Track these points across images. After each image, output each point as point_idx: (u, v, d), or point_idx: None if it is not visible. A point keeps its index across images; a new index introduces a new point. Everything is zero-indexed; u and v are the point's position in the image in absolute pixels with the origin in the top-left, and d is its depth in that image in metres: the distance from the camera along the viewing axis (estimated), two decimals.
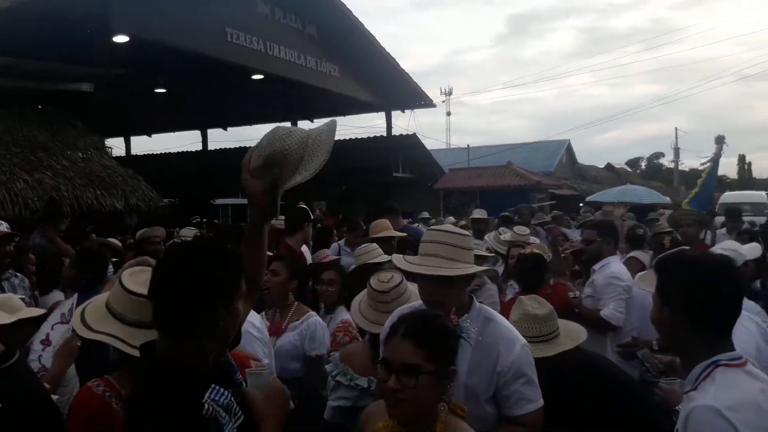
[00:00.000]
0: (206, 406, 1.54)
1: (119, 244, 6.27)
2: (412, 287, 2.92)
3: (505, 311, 3.88)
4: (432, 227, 2.57)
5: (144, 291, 1.94)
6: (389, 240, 5.62)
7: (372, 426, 1.90)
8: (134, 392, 1.68)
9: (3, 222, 4.11)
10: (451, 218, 11.71)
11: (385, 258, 4.47)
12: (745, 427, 1.64)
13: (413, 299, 2.91)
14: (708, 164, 8.35)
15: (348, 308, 3.95)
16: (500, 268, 6.03)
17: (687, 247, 4.62)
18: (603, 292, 4.43)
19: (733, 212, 8.66)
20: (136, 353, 1.87)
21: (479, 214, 8.42)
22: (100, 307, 2.06)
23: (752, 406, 1.69)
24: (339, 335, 3.73)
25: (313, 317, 3.67)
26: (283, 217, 5.39)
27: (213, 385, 1.59)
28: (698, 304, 1.80)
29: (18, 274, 4.17)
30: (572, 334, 3.05)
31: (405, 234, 6.08)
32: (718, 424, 1.64)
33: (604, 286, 4.44)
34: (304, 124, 20.81)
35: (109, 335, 1.96)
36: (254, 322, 3.11)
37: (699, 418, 1.69)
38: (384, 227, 5.89)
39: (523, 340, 2.43)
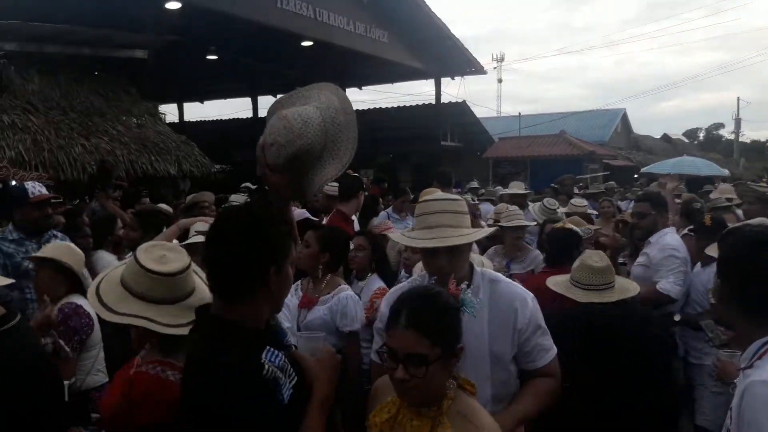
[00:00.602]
0: (266, 367, 1.57)
1: (170, 209, 6.40)
2: (474, 255, 2.88)
3: (531, 284, 3.84)
4: (424, 198, 2.45)
5: (162, 268, 1.96)
6: None
7: (380, 400, 1.88)
8: (193, 354, 1.71)
9: (41, 184, 4.28)
10: (500, 188, 11.51)
11: None
12: None
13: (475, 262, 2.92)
14: None
15: (380, 275, 3.96)
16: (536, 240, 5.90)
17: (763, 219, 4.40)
18: (660, 264, 4.28)
19: None
20: (169, 330, 1.89)
21: (517, 188, 8.11)
22: (116, 286, 2.00)
23: None
24: (377, 301, 3.68)
25: (344, 291, 3.54)
26: (336, 184, 5.37)
27: (267, 347, 1.61)
28: (755, 281, 1.73)
29: (58, 233, 4.29)
30: (624, 291, 3.24)
31: None
32: None
33: (661, 258, 4.28)
34: (352, 92, 20.79)
35: (135, 316, 1.91)
36: None
37: (756, 393, 1.62)
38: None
39: (530, 293, 2.42)
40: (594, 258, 3.27)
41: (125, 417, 1.89)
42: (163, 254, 2.03)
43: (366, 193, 6.66)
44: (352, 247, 3.98)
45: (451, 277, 1.90)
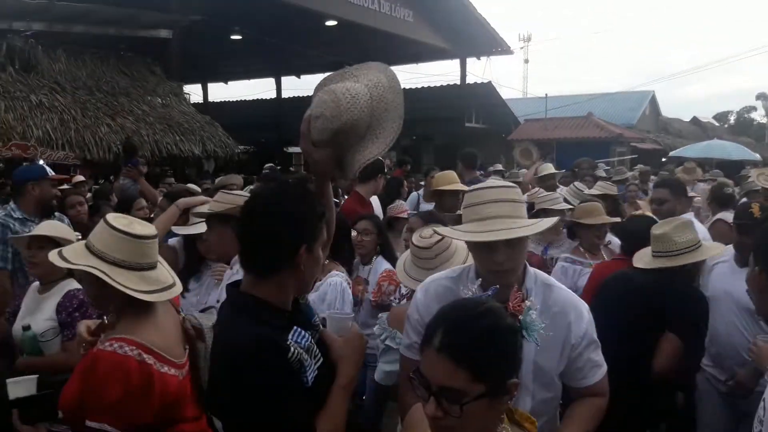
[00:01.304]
0: (292, 349, 1.58)
1: (198, 188, 6.40)
2: (458, 242, 2.72)
3: (604, 271, 3.73)
4: (476, 186, 2.16)
5: (126, 229, 1.96)
6: (456, 194, 5.04)
7: None
8: (219, 328, 1.73)
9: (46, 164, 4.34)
10: (525, 171, 11.34)
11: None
12: None
13: (459, 254, 2.75)
14: None
15: (386, 258, 3.89)
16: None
17: None
18: None
19: None
20: (121, 288, 1.87)
21: (548, 169, 7.71)
22: (79, 247, 2.00)
23: None
24: (384, 284, 3.67)
25: (332, 278, 3.40)
26: None
27: (295, 328, 1.63)
28: None
29: (57, 214, 4.33)
30: (707, 252, 3.26)
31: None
32: None
33: None
34: None
35: (89, 266, 1.90)
36: None
37: None
38: (450, 179, 5.23)
39: (586, 305, 2.19)
40: (671, 224, 3.31)
41: (83, 406, 1.83)
42: (131, 222, 2.03)
43: (389, 176, 6.60)
44: (354, 233, 3.90)
45: (515, 288, 1.54)
